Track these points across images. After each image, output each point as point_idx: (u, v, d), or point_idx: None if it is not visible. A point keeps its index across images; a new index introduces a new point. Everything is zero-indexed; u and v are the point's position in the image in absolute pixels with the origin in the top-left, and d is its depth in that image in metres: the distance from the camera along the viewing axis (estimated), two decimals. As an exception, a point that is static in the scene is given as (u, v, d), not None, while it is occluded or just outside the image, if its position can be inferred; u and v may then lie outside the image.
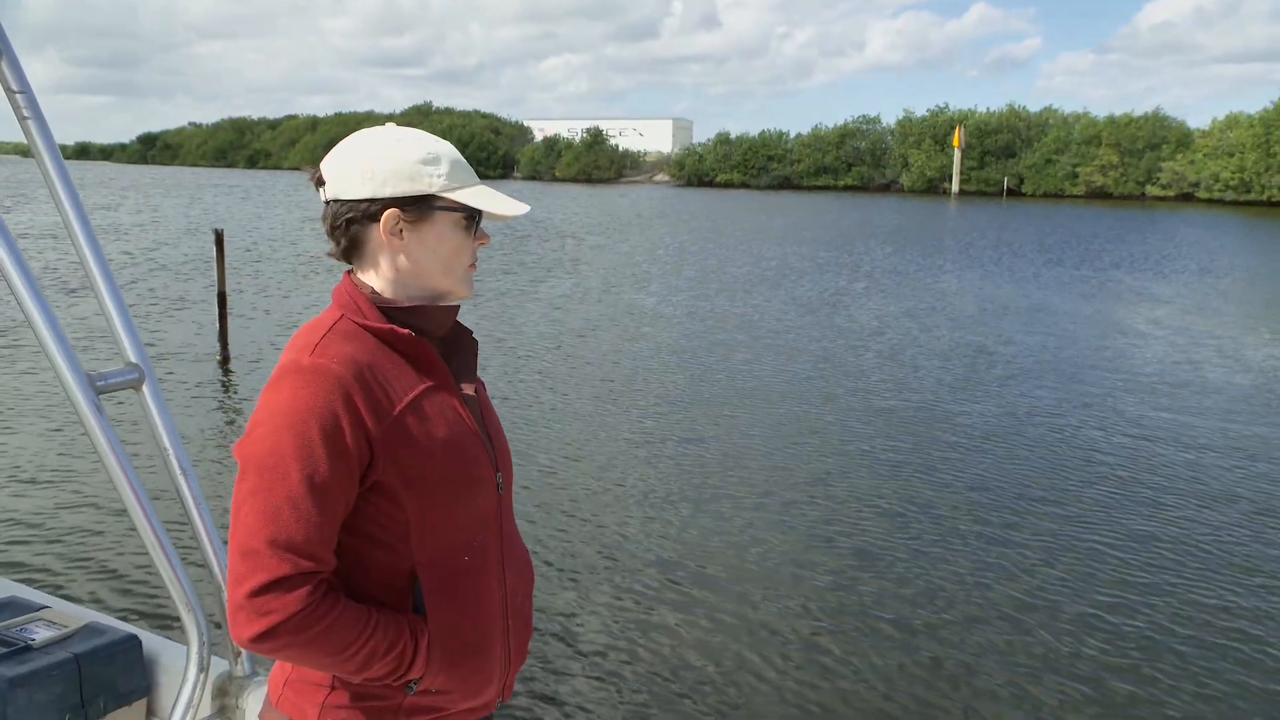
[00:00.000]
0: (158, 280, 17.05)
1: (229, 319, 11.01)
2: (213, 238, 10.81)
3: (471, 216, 1.37)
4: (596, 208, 45.31)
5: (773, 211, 45.18)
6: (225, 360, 10.71)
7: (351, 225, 1.32)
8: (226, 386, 9.85)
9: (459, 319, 1.44)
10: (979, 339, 13.15)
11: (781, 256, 24.15)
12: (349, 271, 1.38)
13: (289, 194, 53.36)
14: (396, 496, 1.28)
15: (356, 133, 1.36)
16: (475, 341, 1.47)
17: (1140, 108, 65.10)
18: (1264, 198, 53.03)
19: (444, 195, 1.33)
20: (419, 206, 1.32)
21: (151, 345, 11.04)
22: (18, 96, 1.64)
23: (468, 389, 1.42)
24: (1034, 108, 72.95)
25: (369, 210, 1.31)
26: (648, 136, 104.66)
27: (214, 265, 10.72)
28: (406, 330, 1.32)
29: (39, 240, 22.52)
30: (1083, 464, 7.67)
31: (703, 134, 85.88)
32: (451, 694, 1.37)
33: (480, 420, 1.42)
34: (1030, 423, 8.88)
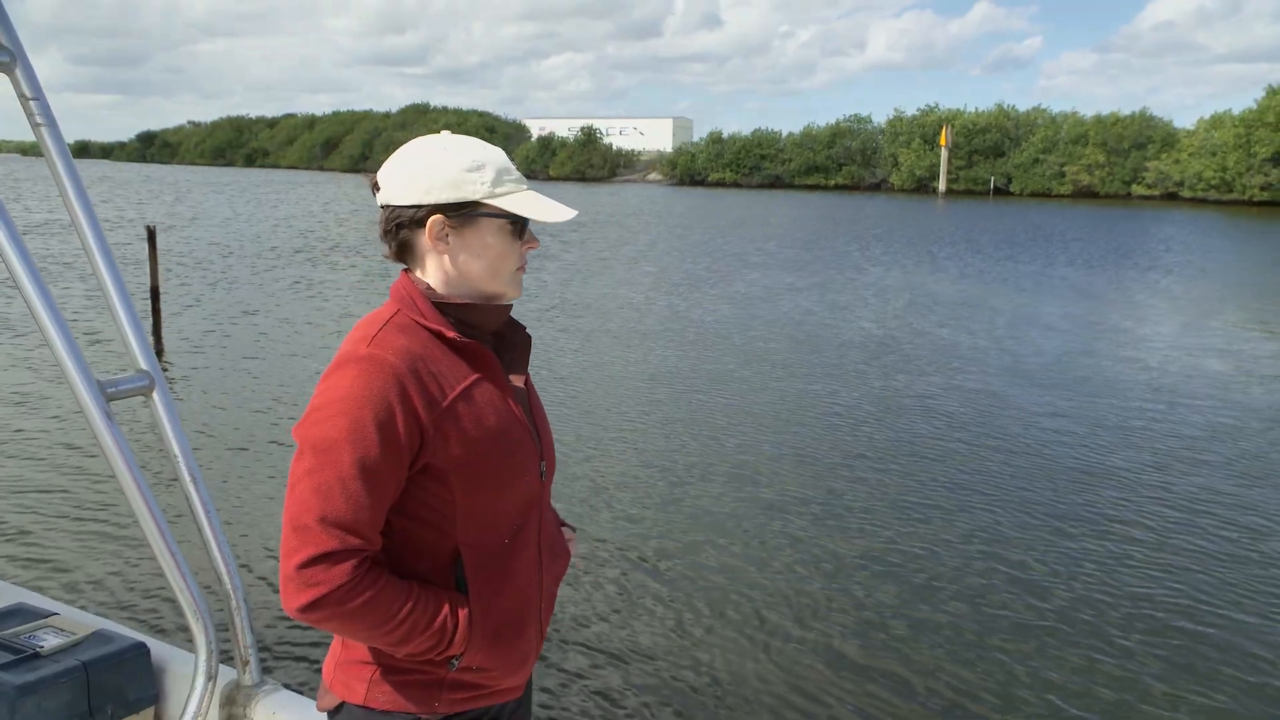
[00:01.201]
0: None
1: (162, 314, 11.56)
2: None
3: (517, 222, 1.42)
4: (580, 207, 45.68)
5: (755, 210, 45.67)
6: (158, 354, 11.27)
7: (400, 230, 1.40)
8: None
9: (515, 316, 1.53)
10: (889, 331, 13.68)
11: (742, 254, 24.67)
12: (406, 270, 1.46)
13: (278, 191, 53.94)
14: (446, 480, 1.35)
15: (412, 140, 1.44)
16: (529, 337, 1.54)
17: (1141, 107, 65.29)
18: (1245, 197, 53.36)
19: (488, 202, 1.39)
20: (463, 213, 1.38)
21: (98, 338, 11.62)
22: (31, 103, 1.66)
23: (517, 381, 1.47)
24: (1034, 107, 73.43)
25: (416, 216, 1.38)
26: (648, 135, 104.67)
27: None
28: (454, 334, 1.38)
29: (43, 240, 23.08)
30: (939, 446, 8.21)
31: (704, 133, 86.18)
32: (492, 671, 1.43)
33: (528, 411, 1.49)
34: (896, 406, 9.42)
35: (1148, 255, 25.63)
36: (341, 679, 1.44)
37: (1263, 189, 52.59)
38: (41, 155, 1.73)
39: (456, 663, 1.39)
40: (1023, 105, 75.93)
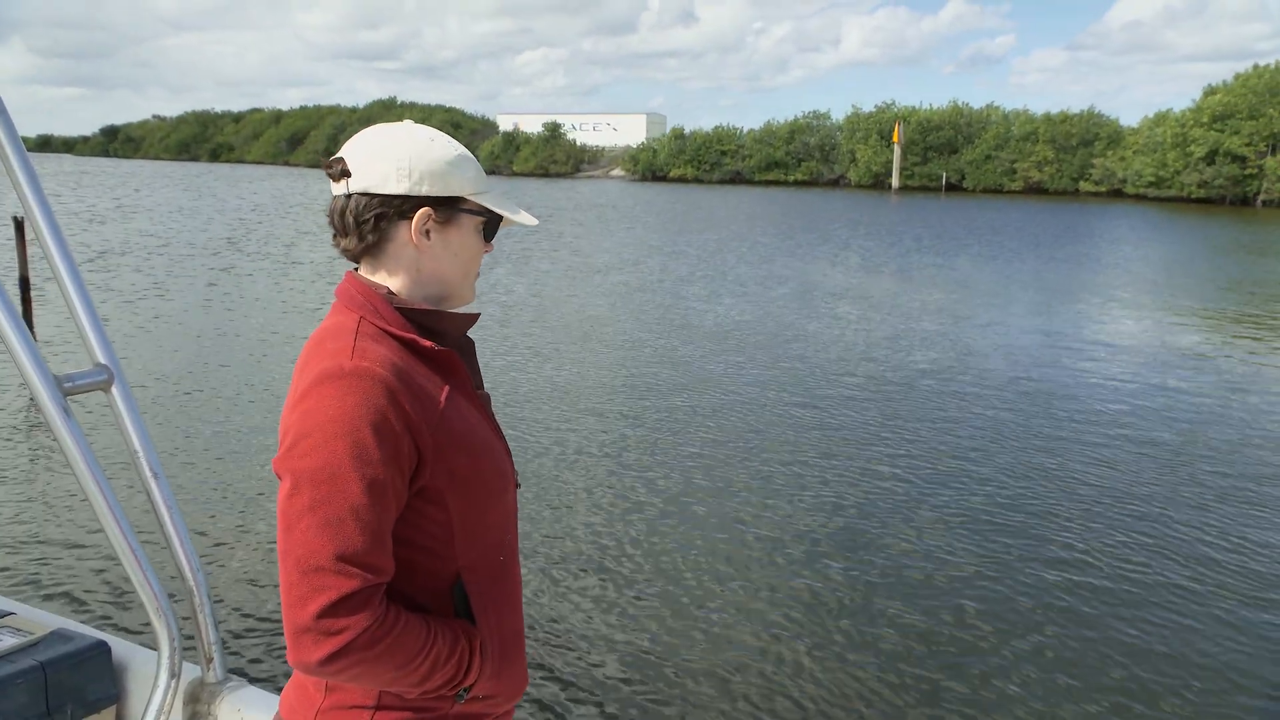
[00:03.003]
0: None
1: (33, 302, 11.96)
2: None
3: (490, 223, 1.37)
4: (534, 202, 46.29)
5: (701, 205, 46.31)
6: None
7: (380, 221, 1.30)
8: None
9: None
10: (748, 317, 14.36)
11: (658, 245, 25.31)
12: (352, 271, 1.36)
13: (228, 187, 53.91)
14: (442, 500, 1.27)
15: (381, 126, 1.35)
16: (472, 341, 1.46)
17: (1110, 105, 66.95)
18: (1184, 194, 54.67)
19: (472, 199, 1.34)
20: (449, 208, 1.32)
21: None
22: None
23: (479, 389, 1.42)
24: (988, 104, 74.59)
25: (402, 207, 1.29)
26: (621, 131, 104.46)
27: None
28: (428, 342, 1.30)
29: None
30: (746, 417, 8.85)
31: (682, 130, 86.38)
32: (497, 697, 1.36)
33: (494, 420, 1.43)
34: (708, 382, 10.07)
35: (1056, 246, 26.50)
36: None
37: (1199, 186, 53.89)
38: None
39: (466, 694, 1.31)
40: (1000, 103, 76.63)
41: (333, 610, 1.14)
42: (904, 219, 38.00)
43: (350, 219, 1.30)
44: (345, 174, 1.30)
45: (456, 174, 1.32)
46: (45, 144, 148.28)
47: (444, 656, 1.25)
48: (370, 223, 1.30)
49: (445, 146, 1.33)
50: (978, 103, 74.92)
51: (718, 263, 21.36)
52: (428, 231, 1.32)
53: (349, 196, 1.30)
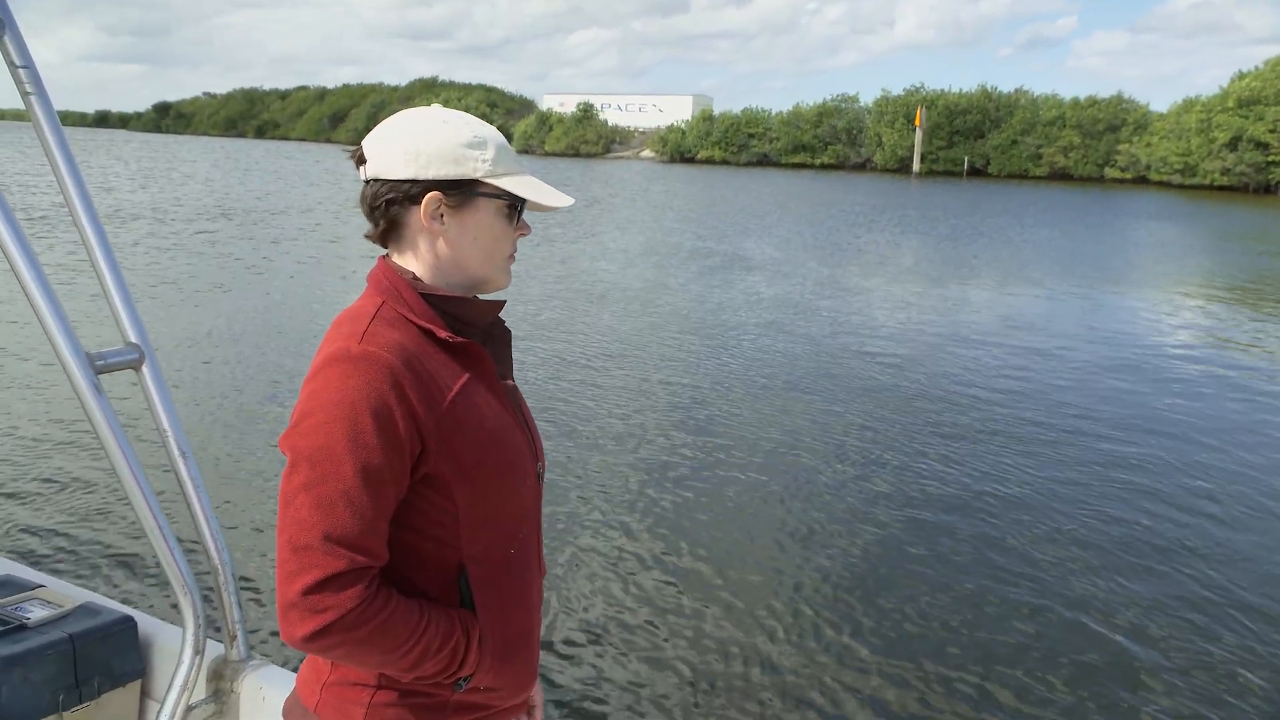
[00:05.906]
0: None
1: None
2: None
3: (514, 205, 1.35)
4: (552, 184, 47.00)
5: (707, 186, 46.64)
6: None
7: (391, 206, 1.30)
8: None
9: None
10: (642, 290, 15.21)
11: (633, 221, 26.13)
12: (385, 256, 1.36)
13: (256, 163, 55.44)
14: (447, 488, 1.27)
15: (401, 112, 1.34)
16: (509, 331, 1.46)
17: (1172, 90, 65.95)
18: (1207, 181, 53.78)
19: (488, 181, 1.31)
20: (462, 191, 1.30)
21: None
22: (20, 71, 1.64)
23: (507, 380, 1.42)
24: (1017, 89, 73.71)
25: (410, 191, 1.29)
26: (667, 112, 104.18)
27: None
28: (446, 333, 1.29)
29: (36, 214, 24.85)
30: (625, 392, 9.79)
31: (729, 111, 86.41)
32: (500, 690, 1.37)
33: (519, 411, 1.42)
34: (611, 357, 11.00)
35: (1025, 231, 26.81)
36: (333, 702, 1.33)
37: (1222, 173, 52.97)
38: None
39: (464, 684, 1.33)
40: (1052, 87, 75.78)
41: (318, 589, 1.17)
42: (908, 202, 38.26)
43: (366, 205, 1.33)
44: (363, 161, 1.32)
45: (470, 155, 1.30)
46: (103, 120, 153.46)
47: (435, 646, 1.26)
48: (382, 208, 1.31)
49: (460, 128, 1.31)
50: (1040, 88, 73.84)
51: (671, 242, 22.00)
52: (441, 215, 1.31)
53: (367, 183, 1.32)
